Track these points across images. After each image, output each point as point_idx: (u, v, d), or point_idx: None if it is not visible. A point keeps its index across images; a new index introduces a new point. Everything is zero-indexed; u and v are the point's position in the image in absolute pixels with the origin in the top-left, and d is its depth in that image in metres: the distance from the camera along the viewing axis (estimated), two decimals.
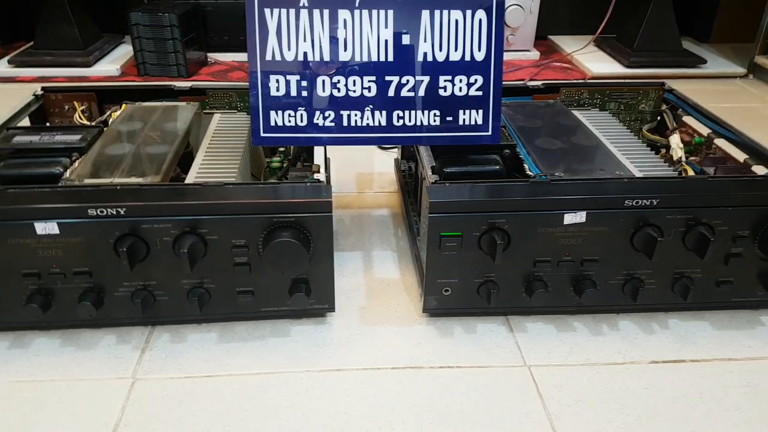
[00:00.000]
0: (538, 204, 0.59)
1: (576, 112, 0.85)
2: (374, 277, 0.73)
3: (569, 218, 0.59)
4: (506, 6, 1.55)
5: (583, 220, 0.59)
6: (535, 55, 1.63)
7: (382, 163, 1.04)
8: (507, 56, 1.61)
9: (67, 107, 0.84)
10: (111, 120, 0.79)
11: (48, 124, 0.84)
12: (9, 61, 1.45)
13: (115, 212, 0.55)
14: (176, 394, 0.55)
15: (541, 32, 1.72)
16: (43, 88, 0.83)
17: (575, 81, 1.31)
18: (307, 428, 0.52)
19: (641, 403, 0.55)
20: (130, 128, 0.74)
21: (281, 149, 0.82)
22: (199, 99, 0.85)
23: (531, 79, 0.91)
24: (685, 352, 0.61)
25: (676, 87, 0.89)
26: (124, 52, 1.54)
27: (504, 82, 1.14)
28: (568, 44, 1.69)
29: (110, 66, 1.45)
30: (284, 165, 0.77)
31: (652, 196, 0.58)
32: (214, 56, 1.52)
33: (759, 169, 0.68)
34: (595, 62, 1.55)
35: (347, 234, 0.82)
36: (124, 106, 0.82)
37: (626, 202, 0.58)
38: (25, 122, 0.80)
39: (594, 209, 0.59)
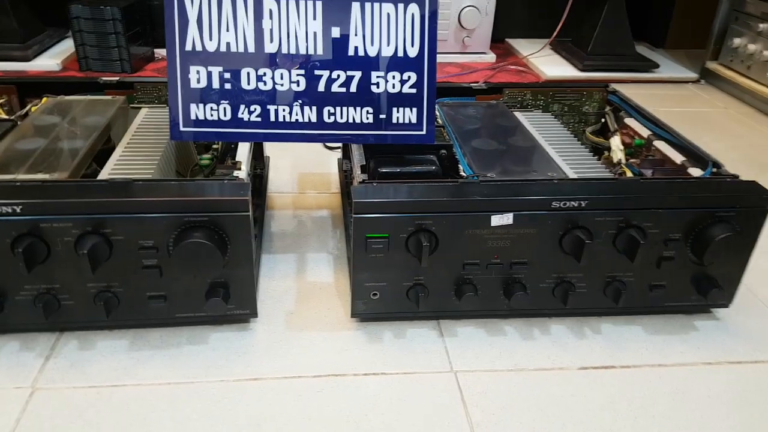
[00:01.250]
0: (465, 205, 0.56)
1: (518, 114, 0.83)
2: (306, 281, 0.70)
3: (496, 220, 0.57)
4: (461, 7, 1.54)
5: (511, 221, 0.57)
6: (491, 57, 1.62)
7: (330, 163, 1.01)
8: (463, 58, 1.60)
9: None
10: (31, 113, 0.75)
11: None
12: None
13: (11, 210, 0.51)
14: (77, 404, 0.52)
15: (498, 35, 1.72)
16: None
17: (518, 83, 1.30)
18: None
19: (567, 410, 0.53)
20: (47, 122, 0.70)
21: (215, 146, 0.78)
22: (127, 93, 0.81)
23: (485, 81, 0.89)
24: (616, 357, 0.60)
25: (628, 91, 0.88)
26: (66, 46, 1.48)
27: (447, 83, 1.12)
28: (525, 47, 1.68)
29: (50, 61, 1.39)
30: (213, 163, 0.74)
31: (580, 197, 0.56)
32: (161, 52, 1.47)
33: (695, 172, 0.67)
34: (549, 65, 1.54)
35: (282, 235, 0.79)
36: (44, 99, 0.77)
37: (554, 203, 0.56)
38: None
39: (521, 210, 0.57)
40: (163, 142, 0.69)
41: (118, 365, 0.56)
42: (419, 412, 0.53)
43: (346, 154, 0.91)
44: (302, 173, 0.98)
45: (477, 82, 0.90)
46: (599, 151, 0.84)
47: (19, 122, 0.71)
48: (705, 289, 0.62)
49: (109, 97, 0.79)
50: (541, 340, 0.61)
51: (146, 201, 0.52)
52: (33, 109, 0.76)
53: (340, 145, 1.05)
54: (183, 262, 0.53)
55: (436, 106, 0.83)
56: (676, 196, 0.58)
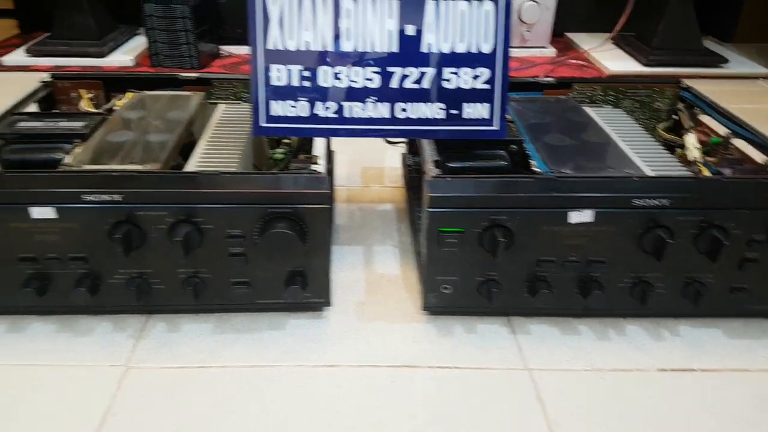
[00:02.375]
0: (543, 201, 0.57)
1: (588, 109, 0.82)
2: (374, 273, 0.71)
3: (575, 217, 0.57)
4: (522, 1, 1.53)
5: (590, 219, 0.57)
6: (551, 51, 1.60)
7: (391, 157, 1.03)
8: (522, 53, 1.59)
9: (74, 95, 0.84)
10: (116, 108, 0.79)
11: (54, 111, 0.84)
12: (26, 51, 1.46)
13: (110, 198, 0.54)
14: (168, 383, 0.54)
15: (557, 29, 1.70)
16: (52, 76, 0.83)
17: (585, 77, 1.28)
18: (296, 422, 0.51)
19: (647, 412, 0.53)
20: (134, 116, 0.73)
21: (286, 141, 0.80)
22: (205, 89, 0.84)
23: (546, 76, 0.89)
24: (696, 360, 0.59)
25: (695, 87, 0.86)
26: (138, 43, 1.54)
27: (515, 78, 1.12)
28: (585, 41, 1.66)
29: (124, 57, 1.45)
30: (287, 157, 0.76)
31: (663, 196, 0.56)
32: (226, 49, 1.52)
33: None
34: (612, 60, 1.52)
35: (349, 228, 0.81)
36: (129, 94, 0.81)
37: (635, 201, 0.56)
38: (33, 109, 0.80)
39: (601, 208, 0.56)
40: (242, 137, 0.71)
41: (204, 347, 0.59)
42: (495, 408, 0.53)
43: (412, 150, 0.92)
44: (364, 167, 0.99)
45: (537, 77, 0.89)
46: (671, 148, 0.82)
47: (107, 116, 0.74)
48: None
49: (190, 93, 0.81)
50: (616, 341, 0.61)
51: (236, 192, 0.55)
52: (118, 103, 0.80)
53: (401, 139, 1.07)
54: (268, 250, 0.55)
55: (507, 104, 0.84)
56: (761, 196, 0.57)
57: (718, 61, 1.50)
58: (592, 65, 1.54)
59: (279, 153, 0.78)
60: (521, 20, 1.56)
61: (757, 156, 0.69)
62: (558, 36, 1.74)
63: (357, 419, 0.52)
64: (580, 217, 0.57)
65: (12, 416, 0.51)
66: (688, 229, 0.57)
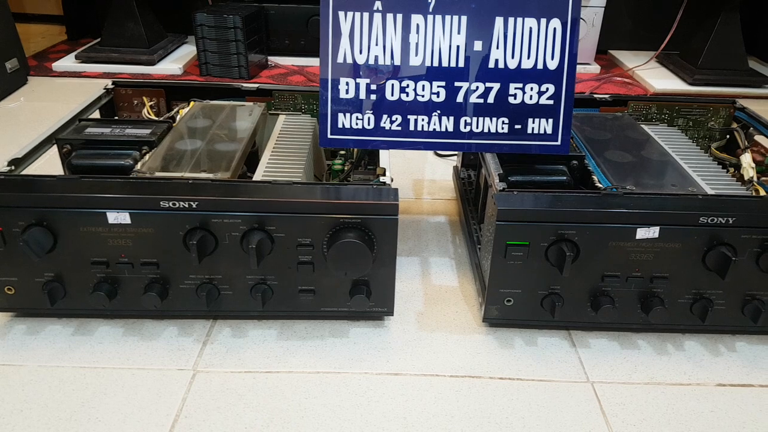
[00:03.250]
0: (610, 217, 0.57)
1: (645, 127, 0.83)
2: (432, 284, 0.72)
3: (642, 233, 0.57)
4: None
5: (656, 235, 0.57)
6: (595, 68, 1.60)
7: (439, 170, 1.04)
8: None
9: (135, 102, 0.86)
10: (179, 116, 0.81)
11: (117, 118, 0.86)
12: (76, 57, 1.50)
13: (186, 205, 0.56)
14: (236, 387, 0.56)
15: (601, 46, 1.70)
16: (113, 83, 0.86)
17: (643, 95, 1.28)
18: (365, 430, 0.52)
19: (708, 425, 0.53)
20: (199, 125, 0.75)
21: (342, 152, 0.82)
22: (265, 100, 0.86)
23: (592, 92, 0.89)
24: (754, 376, 0.59)
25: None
26: (186, 51, 1.58)
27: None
28: (629, 59, 1.66)
29: (173, 65, 1.49)
30: (345, 167, 0.78)
31: (727, 214, 0.56)
32: (274, 59, 1.55)
33: None
34: (657, 78, 1.51)
35: (405, 239, 0.82)
36: (192, 103, 0.84)
37: (701, 219, 0.56)
38: (95, 115, 0.82)
39: (667, 225, 0.57)
40: (303, 147, 0.73)
41: (270, 353, 0.60)
42: (559, 419, 0.54)
43: (465, 162, 0.93)
44: (416, 180, 1.00)
45: (583, 93, 0.90)
46: (725, 167, 0.82)
47: (171, 123, 0.77)
48: None
49: (252, 104, 0.84)
50: (675, 356, 0.61)
51: (307, 202, 0.56)
52: (180, 111, 0.82)
53: (452, 152, 1.08)
54: (337, 259, 0.57)
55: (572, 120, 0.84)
56: None
57: (763, 81, 1.49)
58: (638, 83, 1.53)
59: (337, 164, 0.80)
60: None
61: None
62: (601, 53, 1.74)
63: (428, 428, 0.53)
64: (647, 233, 0.57)
65: (83, 418, 0.53)
66: (750, 247, 0.57)
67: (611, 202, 0.58)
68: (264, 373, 0.58)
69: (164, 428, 0.52)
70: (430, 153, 1.10)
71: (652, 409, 0.55)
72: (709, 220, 0.57)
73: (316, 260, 0.59)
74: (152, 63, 1.48)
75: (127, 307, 0.62)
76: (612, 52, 1.73)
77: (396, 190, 0.59)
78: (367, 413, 0.54)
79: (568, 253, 0.57)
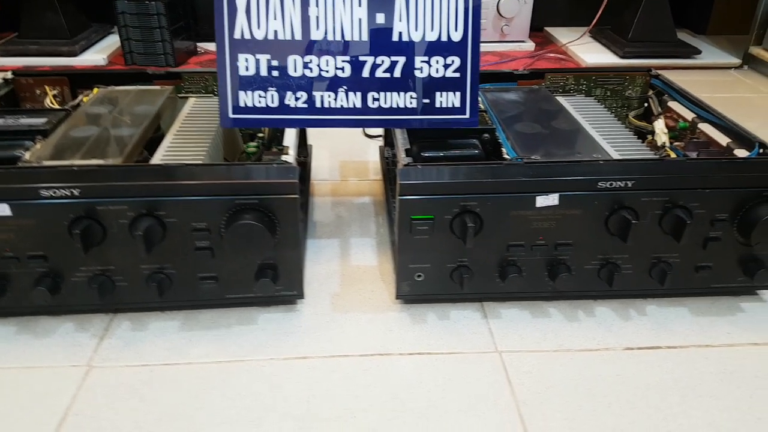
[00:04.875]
0: (510, 186, 0.57)
1: (560, 98, 0.83)
2: (350, 265, 0.71)
3: (541, 201, 0.57)
4: None
5: (556, 202, 0.57)
6: (530, 46, 1.61)
7: (370, 151, 1.02)
8: (502, 47, 1.59)
9: (38, 92, 0.82)
10: (83, 104, 0.78)
11: (13, 108, 0.82)
12: None
13: (69, 193, 0.53)
14: (131, 382, 0.54)
15: (537, 24, 1.71)
16: (13, 72, 0.82)
17: (559, 68, 1.29)
18: (266, 418, 0.50)
19: (613, 389, 0.53)
20: (100, 111, 0.72)
21: (260, 134, 0.80)
22: (174, 83, 0.83)
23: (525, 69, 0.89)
24: (662, 338, 0.59)
25: (670, 78, 0.87)
26: (112, 42, 1.53)
27: (489, 69, 1.12)
28: (564, 35, 1.67)
29: (97, 56, 1.44)
30: (260, 150, 0.75)
31: (626, 177, 0.56)
32: (203, 46, 1.50)
33: (741, 153, 0.65)
34: (589, 53, 1.53)
35: (327, 221, 0.80)
36: (96, 90, 0.80)
37: (600, 183, 0.56)
38: None
39: (567, 191, 0.57)
40: (211, 129, 0.71)
41: (170, 345, 0.58)
42: (465, 391, 0.53)
43: (388, 141, 0.92)
44: (343, 161, 0.99)
45: (517, 70, 0.89)
46: (642, 135, 0.83)
47: (72, 112, 0.73)
48: (752, 270, 0.61)
49: (158, 87, 0.81)
50: (586, 322, 0.61)
51: (199, 184, 0.54)
52: (85, 99, 0.79)
53: (380, 132, 1.07)
54: (235, 243, 0.55)
55: (478, 92, 0.84)
56: (722, 176, 0.58)
57: (692, 52, 1.51)
58: (570, 58, 1.54)
59: (252, 146, 0.78)
60: (500, 14, 1.57)
61: (721, 139, 0.69)
62: (538, 30, 1.75)
63: (330, 409, 0.51)
64: (547, 200, 0.57)
65: None
66: (652, 209, 0.58)
67: (511, 172, 0.57)
68: (162, 365, 0.56)
69: (50, 427, 0.49)
70: (359, 134, 1.09)
71: (559, 376, 0.55)
72: (608, 185, 0.56)
73: (214, 245, 0.57)
74: (74, 54, 1.42)
75: (19, 304, 0.59)
76: (548, 29, 1.74)
77: (296, 168, 0.58)
78: (268, 399, 0.52)
79: (470, 225, 0.56)
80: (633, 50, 1.47)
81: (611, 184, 0.56)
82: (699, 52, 1.51)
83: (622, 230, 0.57)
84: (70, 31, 1.44)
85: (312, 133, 1.03)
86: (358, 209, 0.84)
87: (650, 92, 0.87)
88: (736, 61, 1.52)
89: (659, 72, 0.88)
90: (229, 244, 0.55)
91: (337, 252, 0.73)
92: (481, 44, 1.68)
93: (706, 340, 0.59)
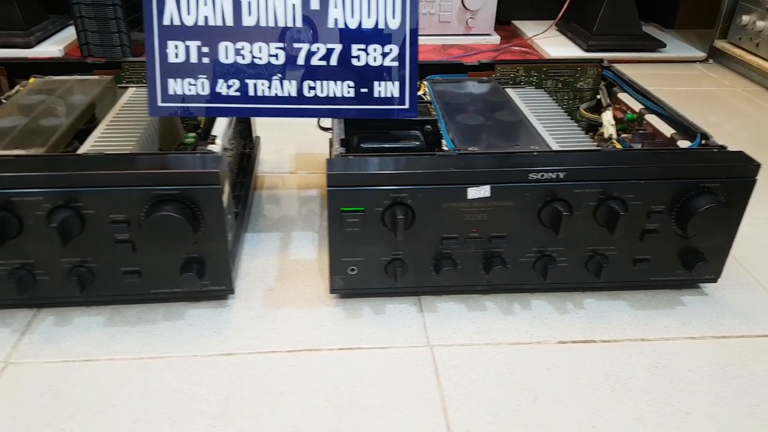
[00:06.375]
0: (441, 177, 0.55)
1: (510, 90, 0.82)
2: (289, 259, 0.69)
3: (472, 192, 0.56)
4: None
5: (488, 194, 0.56)
6: (495, 39, 1.60)
7: (322, 143, 1.01)
8: (466, 40, 1.58)
9: None
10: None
11: None
12: None
13: None
14: (48, 378, 0.52)
15: (505, 17, 1.70)
16: None
17: (511, 59, 1.29)
18: (181, 415, 0.49)
19: (541, 383, 0.52)
20: (32, 102, 0.70)
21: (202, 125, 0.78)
22: (114, 73, 0.81)
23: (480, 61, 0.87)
24: (597, 332, 0.58)
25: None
26: (70, 33, 1.49)
27: (440, 60, 1.10)
28: (531, 29, 1.66)
29: (53, 47, 1.40)
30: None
31: (557, 169, 0.55)
32: None
33: (684, 144, 0.65)
34: (554, 46, 1.52)
35: (270, 214, 0.79)
36: (32, 79, 0.78)
37: (531, 175, 0.55)
38: None
39: (498, 183, 0.55)
40: (145, 119, 0.69)
41: (92, 341, 0.56)
42: (391, 386, 0.52)
43: None
44: (295, 154, 0.97)
45: (467, 62, 0.88)
46: (595, 127, 0.82)
47: (3, 101, 0.71)
48: (691, 262, 0.60)
49: (97, 77, 0.78)
50: (521, 315, 0.60)
51: (114, 174, 0.52)
52: (20, 89, 0.76)
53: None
54: (153, 236, 0.53)
55: (426, 83, 0.82)
56: (658, 166, 0.57)
57: (656, 45, 1.51)
58: (536, 52, 1.54)
59: (191, 137, 0.76)
60: (465, 7, 1.56)
61: (666, 130, 0.69)
62: (506, 24, 1.74)
63: (250, 407, 0.50)
64: (478, 192, 0.56)
65: None
66: (586, 201, 0.57)
67: (442, 163, 0.56)
68: (81, 362, 0.54)
69: None
70: (313, 126, 1.07)
71: (487, 369, 0.54)
72: (539, 176, 0.55)
73: (135, 238, 0.55)
74: (29, 46, 1.39)
75: None
76: (515, 22, 1.73)
77: (220, 157, 0.56)
78: (186, 398, 0.50)
79: (400, 217, 0.55)
80: (597, 43, 1.47)
81: (542, 176, 0.55)
82: (663, 45, 1.51)
83: (554, 222, 0.56)
84: (26, 22, 1.41)
85: (264, 125, 1.01)
86: (305, 203, 0.82)
87: (601, 84, 0.86)
88: (701, 54, 1.52)
89: (613, 64, 0.87)
90: (147, 237, 0.53)
91: (277, 246, 0.72)
92: (446, 37, 1.68)
93: (642, 334, 0.58)
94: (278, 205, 0.81)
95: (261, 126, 1.01)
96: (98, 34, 1.34)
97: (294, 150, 0.98)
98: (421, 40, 1.55)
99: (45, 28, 1.46)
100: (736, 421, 0.50)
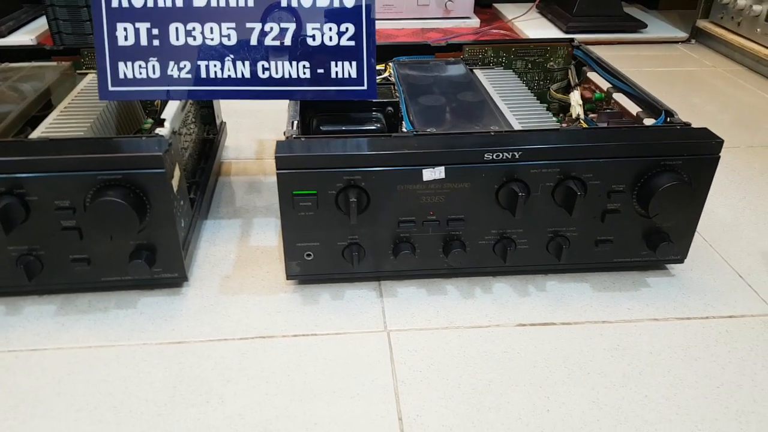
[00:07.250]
0: (395, 159, 0.54)
1: (477, 71, 0.80)
2: (248, 246, 0.68)
3: (428, 174, 0.54)
4: None
5: (443, 176, 0.54)
6: (475, 22, 1.58)
7: None
8: (445, 24, 1.56)
9: None
10: None
11: None
12: None
13: None
14: None
15: (486, 0, 1.68)
16: None
17: (479, 40, 1.27)
18: (126, 403, 0.48)
19: (497, 367, 0.51)
20: None
21: None
22: (74, 59, 0.79)
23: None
24: (557, 314, 0.57)
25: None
26: (43, 23, 1.46)
27: (407, 42, 1.09)
28: (511, 11, 1.64)
29: (24, 37, 1.38)
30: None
31: (513, 148, 0.54)
32: None
33: (649, 122, 0.63)
34: (534, 28, 1.50)
35: (232, 201, 0.77)
36: None
37: (486, 155, 0.54)
38: None
39: (453, 164, 0.54)
40: (100, 105, 0.67)
41: (42, 330, 0.55)
42: (344, 372, 0.51)
43: None
44: (264, 140, 0.96)
45: (434, 43, 0.86)
46: (566, 108, 0.81)
47: None
48: (654, 243, 0.59)
49: (54, 64, 0.77)
50: (481, 299, 0.59)
51: (56, 159, 0.51)
52: None
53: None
54: (97, 222, 0.52)
55: (392, 65, 0.81)
56: (617, 144, 0.55)
57: (638, 26, 1.50)
58: (516, 34, 1.52)
59: (148, 122, 0.74)
60: None
61: (632, 108, 0.67)
62: (486, 7, 1.72)
63: (198, 395, 0.49)
64: (433, 174, 0.54)
65: None
66: (544, 182, 0.55)
67: (396, 144, 0.55)
68: (28, 351, 0.53)
69: None
70: (284, 111, 1.05)
71: (443, 353, 0.53)
72: (494, 156, 0.54)
73: (82, 225, 0.54)
74: (1, 35, 1.36)
75: None
76: (496, 5, 1.71)
77: (165, 140, 0.54)
78: (133, 386, 0.49)
79: (352, 199, 0.54)
80: (576, 25, 1.45)
81: (498, 156, 0.54)
82: (645, 26, 1.49)
83: (511, 203, 0.55)
84: None
85: (232, 110, 1.00)
86: (269, 189, 0.81)
87: (572, 64, 0.85)
88: (683, 35, 1.50)
89: (581, 43, 0.85)
90: (91, 223, 0.52)
91: (238, 233, 0.70)
92: (425, 21, 1.65)
93: (603, 316, 0.57)
94: (241, 192, 0.80)
95: (230, 111, 0.99)
96: (70, 22, 1.31)
97: (262, 136, 0.97)
98: (400, 24, 1.53)
99: (17, 18, 1.43)
100: (695, 402, 0.49)
